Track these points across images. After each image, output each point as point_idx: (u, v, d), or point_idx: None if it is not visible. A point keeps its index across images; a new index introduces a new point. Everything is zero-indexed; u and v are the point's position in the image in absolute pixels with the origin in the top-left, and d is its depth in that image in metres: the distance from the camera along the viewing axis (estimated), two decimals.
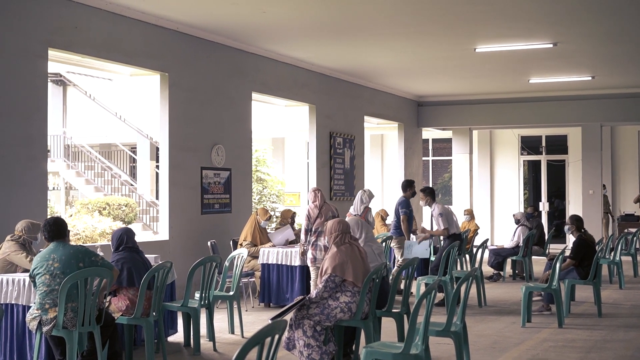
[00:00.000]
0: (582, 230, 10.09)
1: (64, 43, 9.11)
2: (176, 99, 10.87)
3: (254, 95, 12.85)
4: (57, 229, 6.35)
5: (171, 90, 10.78)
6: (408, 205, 11.51)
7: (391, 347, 5.66)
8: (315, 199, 9.71)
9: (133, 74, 11.57)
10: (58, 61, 10.42)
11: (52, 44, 8.91)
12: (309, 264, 9.58)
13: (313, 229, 9.51)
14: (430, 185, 23.03)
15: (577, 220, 10.12)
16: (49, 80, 18.69)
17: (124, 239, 7.24)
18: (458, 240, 10.98)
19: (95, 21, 9.50)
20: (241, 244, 10.80)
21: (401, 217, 11.36)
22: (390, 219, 15.83)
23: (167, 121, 10.77)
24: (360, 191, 11.49)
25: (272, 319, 5.98)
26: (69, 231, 6.61)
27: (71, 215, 16.66)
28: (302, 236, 9.74)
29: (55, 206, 21.08)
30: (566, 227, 10.29)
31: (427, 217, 19.86)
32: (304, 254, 9.85)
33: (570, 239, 18.34)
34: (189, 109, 11.15)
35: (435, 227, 11.50)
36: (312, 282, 9.67)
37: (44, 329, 6.13)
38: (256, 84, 12.79)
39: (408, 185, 11.87)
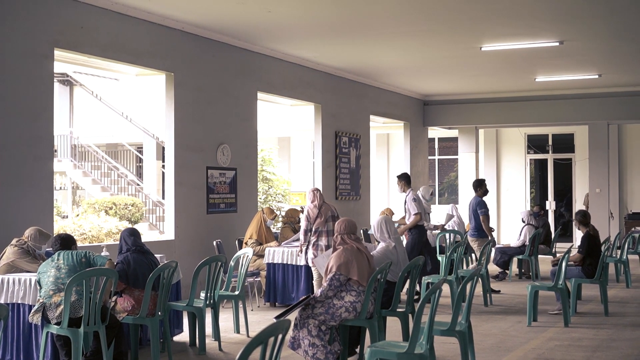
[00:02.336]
0: (589, 226, 10.11)
1: (70, 43, 9.13)
2: (182, 99, 10.89)
3: (260, 95, 12.86)
4: (62, 242, 6.75)
5: (177, 90, 10.80)
6: (484, 204, 11.57)
7: (396, 346, 5.66)
8: (314, 199, 9.71)
9: (139, 74, 11.59)
10: (64, 61, 10.44)
11: (58, 44, 8.93)
12: (310, 264, 9.60)
13: (313, 229, 9.53)
14: (435, 184, 23.04)
15: (583, 216, 10.17)
16: (55, 80, 18.68)
17: (127, 239, 7.29)
18: (424, 235, 11.17)
19: (102, 21, 9.52)
20: (246, 242, 10.82)
21: (481, 217, 11.39)
22: (396, 219, 15.84)
23: (173, 121, 10.78)
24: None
25: (276, 317, 6.01)
26: (75, 245, 6.82)
27: (77, 215, 16.71)
28: (301, 236, 9.76)
29: (62, 206, 21.15)
30: (574, 222, 10.34)
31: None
32: (301, 252, 9.85)
33: (578, 237, 18.36)
34: (194, 109, 11.16)
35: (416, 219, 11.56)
36: (314, 282, 9.69)
37: (49, 315, 6.22)
38: (262, 83, 12.80)
39: (479, 185, 11.91)
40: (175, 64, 10.78)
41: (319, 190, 9.89)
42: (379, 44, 12.50)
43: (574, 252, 10.30)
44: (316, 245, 9.52)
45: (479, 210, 11.51)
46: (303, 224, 9.67)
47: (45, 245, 7.38)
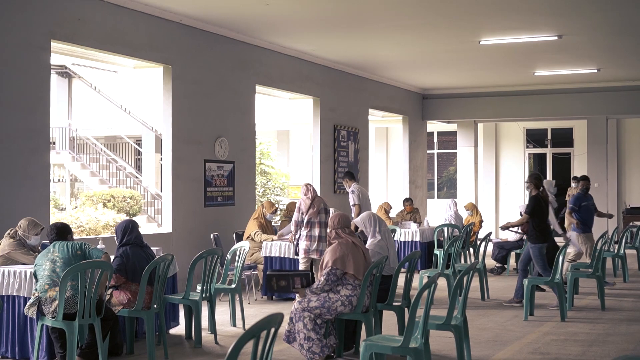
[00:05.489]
0: (540, 189, 10.15)
1: (67, 35, 9.11)
2: (179, 92, 10.87)
3: (258, 88, 12.83)
4: (58, 232, 6.69)
5: (174, 82, 10.78)
6: (577, 201, 11.67)
7: (390, 340, 5.66)
8: (307, 192, 9.96)
9: (136, 67, 11.55)
10: (61, 53, 10.40)
11: (55, 36, 8.91)
12: (302, 255, 9.73)
13: (306, 220, 9.69)
14: (434, 178, 23.03)
15: (536, 179, 10.22)
16: (54, 72, 18.52)
17: (127, 231, 7.26)
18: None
19: (99, 13, 9.50)
20: (251, 237, 10.75)
21: (566, 211, 11.47)
22: (394, 212, 15.85)
23: (171, 114, 10.77)
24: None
25: (269, 272, 6.19)
26: (71, 235, 6.77)
27: (75, 207, 16.69)
28: (292, 228, 9.98)
29: (61, 198, 21.12)
30: (525, 185, 10.35)
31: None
32: (293, 241, 10.07)
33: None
34: (192, 102, 11.14)
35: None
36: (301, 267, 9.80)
37: (45, 310, 6.21)
38: (260, 76, 12.78)
39: (577, 180, 12.04)
40: (173, 56, 10.76)
41: (312, 185, 10.14)
42: (378, 37, 12.47)
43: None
44: (309, 236, 9.72)
45: (569, 205, 11.60)
46: (295, 216, 9.91)
47: (38, 236, 7.36)
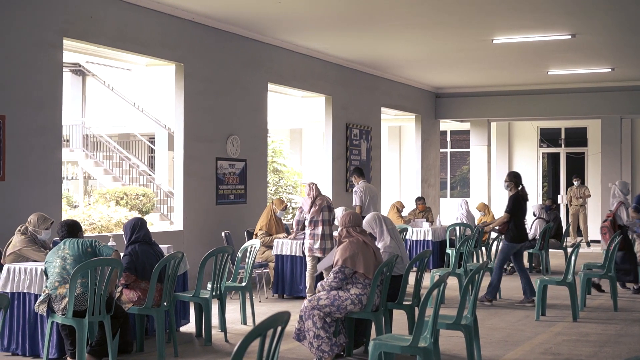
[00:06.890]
0: (520, 187, 10.10)
1: (79, 33, 9.13)
2: (191, 90, 10.88)
3: (270, 86, 12.83)
4: (68, 229, 6.70)
5: (186, 80, 10.79)
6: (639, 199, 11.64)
7: (399, 339, 5.63)
8: (310, 191, 10.17)
9: (149, 64, 11.57)
10: (73, 51, 10.44)
11: (67, 34, 8.94)
12: (307, 253, 9.81)
13: (308, 218, 9.90)
14: (447, 177, 22.95)
15: (515, 177, 10.20)
16: (68, 70, 18.57)
17: (136, 228, 7.27)
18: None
19: (111, 11, 9.52)
20: (256, 234, 10.83)
21: (630, 208, 11.45)
22: (407, 211, 15.81)
23: (182, 111, 10.78)
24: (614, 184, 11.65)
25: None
26: (82, 232, 6.79)
27: (88, 205, 16.75)
28: (294, 226, 10.23)
29: (74, 196, 21.21)
30: (505, 184, 10.30)
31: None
32: (292, 237, 10.38)
33: (590, 232, 18.15)
34: (204, 100, 11.15)
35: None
36: (307, 273, 9.81)
37: (55, 307, 6.23)
38: (272, 74, 12.77)
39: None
40: (185, 54, 10.77)
41: (315, 184, 10.25)
42: (390, 35, 12.44)
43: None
44: (312, 235, 9.88)
45: (633, 203, 11.54)
46: (296, 216, 10.19)
47: (48, 231, 7.39)
